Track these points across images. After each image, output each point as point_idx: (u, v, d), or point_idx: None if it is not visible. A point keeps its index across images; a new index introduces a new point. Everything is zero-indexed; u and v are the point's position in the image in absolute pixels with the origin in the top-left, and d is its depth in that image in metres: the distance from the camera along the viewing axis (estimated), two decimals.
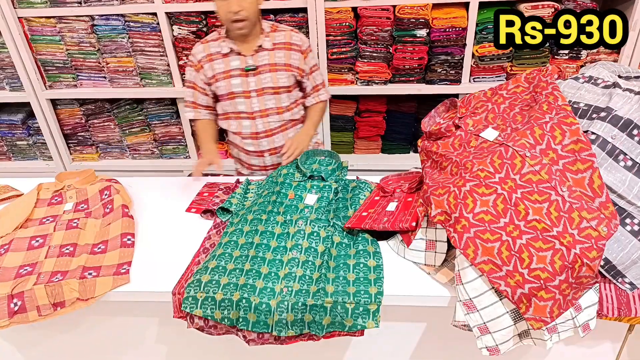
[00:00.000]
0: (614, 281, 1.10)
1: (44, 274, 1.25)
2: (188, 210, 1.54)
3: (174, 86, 2.61)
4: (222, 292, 1.16)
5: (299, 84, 1.85)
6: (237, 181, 1.68)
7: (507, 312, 1.06)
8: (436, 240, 1.20)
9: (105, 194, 1.53)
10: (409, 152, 2.77)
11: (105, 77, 2.63)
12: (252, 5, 1.63)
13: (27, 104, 2.74)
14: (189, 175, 2.61)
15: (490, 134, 1.22)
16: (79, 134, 2.85)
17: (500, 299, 1.05)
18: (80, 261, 1.27)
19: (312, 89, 1.88)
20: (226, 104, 1.80)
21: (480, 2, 2.23)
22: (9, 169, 2.95)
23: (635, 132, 1.06)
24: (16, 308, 1.19)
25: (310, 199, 1.46)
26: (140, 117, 2.76)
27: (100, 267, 1.27)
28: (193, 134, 2.76)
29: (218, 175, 2.16)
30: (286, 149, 1.73)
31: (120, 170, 2.88)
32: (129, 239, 1.37)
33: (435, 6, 2.29)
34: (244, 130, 1.84)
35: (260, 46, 1.73)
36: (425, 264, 1.22)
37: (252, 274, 1.21)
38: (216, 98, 1.84)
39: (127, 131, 2.80)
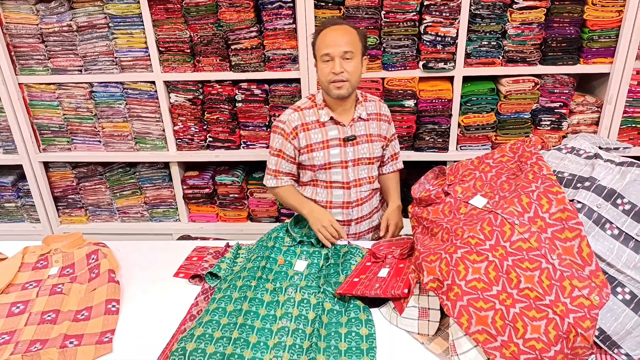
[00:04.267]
0: (610, 352, 1.08)
1: (22, 343, 1.19)
2: (176, 275, 1.51)
3: (168, 150, 2.65)
4: None
5: None
6: (227, 245, 1.67)
7: None
8: (429, 308, 1.18)
9: (92, 258, 1.51)
10: None
11: (100, 141, 2.67)
12: (355, 70, 1.65)
13: (19, 166, 2.75)
14: (178, 238, 2.58)
15: (479, 201, 1.24)
16: (69, 196, 2.84)
17: None
18: (62, 329, 1.23)
19: (390, 156, 1.93)
20: (319, 173, 1.79)
21: (463, 77, 2.36)
22: None
23: (619, 201, 1.09)
24: None
25: (300, 265, 1.45)
26: (132, 180, 2.77)
27: (82, 335, 1.22)
28: (185, 196, 2.76)
29: (207, 239, 2.14)
30: (384, 229, 1.78)
31: (108, 234, 2.84)
32: (113, 306, 1.33)
33: (422, 79, 2.41)
34: (334, 199, 1.81)
35: (359, 117, 1.77)
36: (418, 333, 1.19)
37: (240, 343, 1.17)
38: (300, 166, 1.83)
39: (118, 194, 2.80)
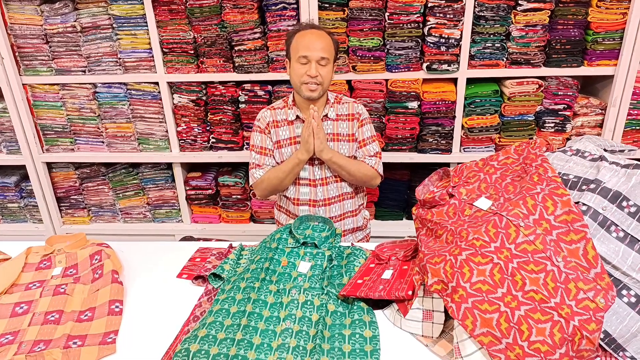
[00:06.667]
0: (615, 355, 1.07)
1: (25, 343, 1.19)
2: (179, 276, 1.51)
3: (171, 151, 2.65)
4: None
5: None
6: (230, 246, 1.67)
7: None
8: (433, 310, 1.17)
9: (96, 259, 1.51)
10: (402, 219, 2.78)
11: (103, 142, 2.67)
12: (328, 75, 1.72)
13: (22, 167, 2.76)
14: (181, 239, 2.58)
15: (483, 203, 1.24)
16: (71, 197, 2.84)
17: None
18: (66, 329, 1.23)
19: (363, 156, 1.86)
20: None
21: (467, 79, 2.35)
22: None
23: (624, 204, 1.09)
24: None
25: (304, 266, 1.44)
26: (135, 181, 2.77)
27: (86, 335, 1.22)
28: (187, 197, 2.77)
29: (210, 240, 2.14)
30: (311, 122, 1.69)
31: (111, 234, 2.85)
32: (117, 307, 1.33)
33: (426, 81, 2.41)
34: (301, 197, 1.86)
35: (325, 115, 1.81)
36: (422, 335, 1.18)
37: (244, 345, 1.16)
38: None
39: (120, 195, 2.81)
